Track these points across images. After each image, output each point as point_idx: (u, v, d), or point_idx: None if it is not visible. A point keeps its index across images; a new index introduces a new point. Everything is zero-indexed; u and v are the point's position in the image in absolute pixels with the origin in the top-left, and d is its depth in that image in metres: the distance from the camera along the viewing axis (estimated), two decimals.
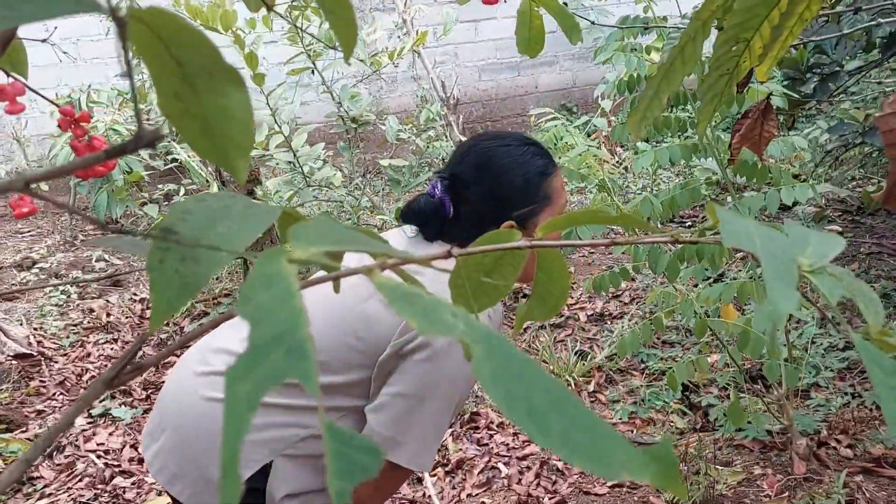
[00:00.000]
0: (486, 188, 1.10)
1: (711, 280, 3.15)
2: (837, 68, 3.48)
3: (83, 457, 2.25)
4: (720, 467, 2.06)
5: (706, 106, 1.00)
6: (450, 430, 2.38)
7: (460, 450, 2.28)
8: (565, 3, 1.52)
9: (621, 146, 4.95)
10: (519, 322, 0.73)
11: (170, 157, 3.62)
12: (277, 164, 2.64)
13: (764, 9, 0.92)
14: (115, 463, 2.22)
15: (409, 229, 1.16)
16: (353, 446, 0.28)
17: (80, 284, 3.13)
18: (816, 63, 3.43)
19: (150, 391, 2.59)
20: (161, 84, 0.40)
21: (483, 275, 0.64)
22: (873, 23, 1.44)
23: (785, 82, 3.44)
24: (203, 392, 1.07)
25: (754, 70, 1.16)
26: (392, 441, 1.02)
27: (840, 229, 3.60)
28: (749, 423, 2.14)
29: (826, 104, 4.36)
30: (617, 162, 4.77)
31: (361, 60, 2.89)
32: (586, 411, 0.31)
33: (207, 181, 3.06)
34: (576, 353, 2.73)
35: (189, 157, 3.22)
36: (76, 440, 2.32)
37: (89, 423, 2.41)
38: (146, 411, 2.47)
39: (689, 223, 3.93)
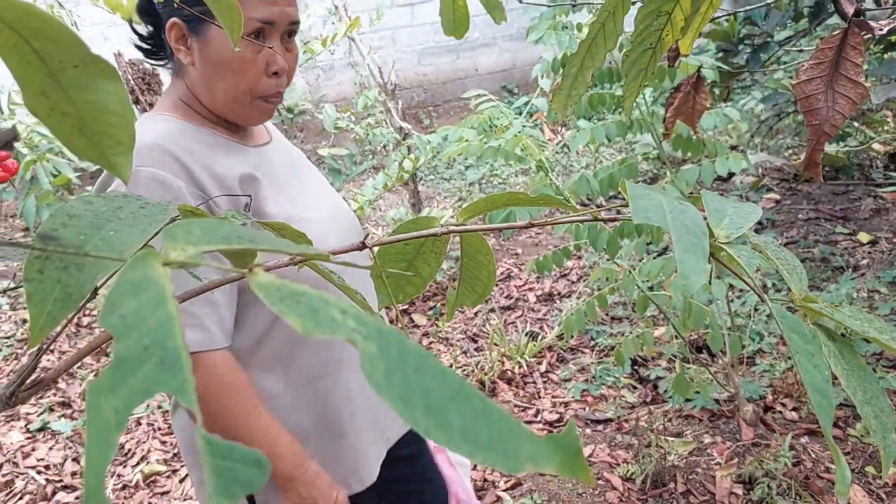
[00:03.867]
0: None
1: (656, 254, 3.20)
2: (768, 39, 3.55)
3: (22, 474, 2.17)
4: (671, 438, 2.10)
5: (632, 82, 1.00)
6: None
7: None
8: None
9: (564, 126, 4.99)
10: (450, 309, 0.72)
11: None
12: None
13: None
14: (57, 478, 2.15)
15: None
16: (234, 459, 0.26)
17: (12, 295, 3.01)
18: (748, 34, 3.50)
19: None
20: (25, 81, 0.37)
21: (405, 263, 0.62)
22: None
23: (718, 54, 3.50)
24: None
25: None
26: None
27: (778, 197, 3.69)
28: (696, 393, 2.18)
29: (760, 74, 4.46)
30: (559, 142, 4.80)
31: None
32: (489, 404, 0.29)
33: None
34: (526, 335, 2.74)
35: None
36: (14, 457, 2.23)
37: (28, 438, 2.32)
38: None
39: (619, 197, 3.97)
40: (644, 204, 0.48)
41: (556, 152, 4.84)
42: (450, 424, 0.28)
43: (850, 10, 1.02)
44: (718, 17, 3.34)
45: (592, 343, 2.68)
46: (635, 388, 2.39)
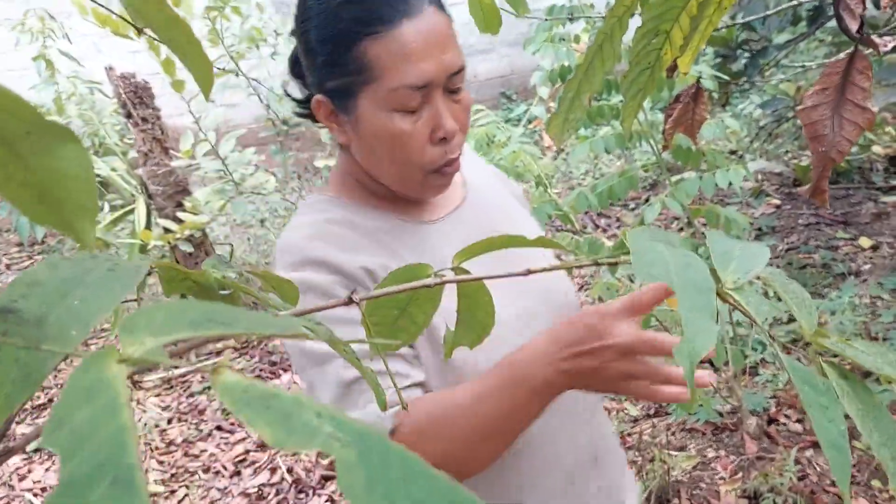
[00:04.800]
0: (301, 45, 0.82)
1: None
2: (766, 43, 3.53)
3: (18, 496, 2.14)
4: (674, 453, 2.07)
5: (630, 101, 0.97)
6: None
7: None
8: None
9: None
10: (448, 350, 0.69)
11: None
12: (206, 173, 2.54)
13: None
14: None
15: None
16: None
17: None
18: (746, 39, 3.48)
19: None
20: None
21: (397, 310, 0.60)
22: (795, 1, 1.43)
23: (717, 60, 3.48)
24: None
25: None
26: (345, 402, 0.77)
27: (778, 202, 3.67)
28: (700, 406, 2.15)
29: (758, 79, 4.45)
30: (559, 149, 4.77)
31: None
32: None
33: (133, 195, 2.94)
34: None
35: (113, 170, 3.09)
36: (10, 479, 2.21)
37: (24, 460, 2.30)
38: None
39: (633, 206, 3.95)
40: (648, 258, 0.45)
41: (555, 159, 4.81)
42: None
43: (855, 26, 0.99)
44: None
45: None
46: (637, 401, 2.36)
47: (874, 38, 0.88)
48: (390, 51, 0.74)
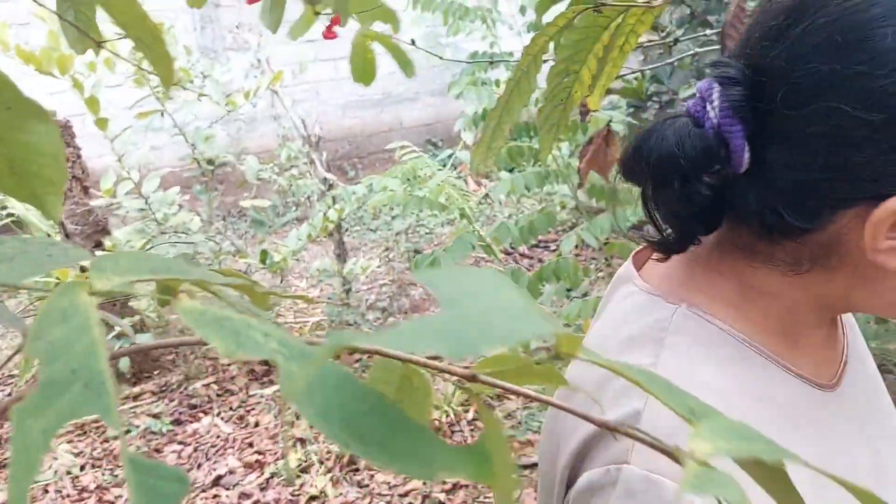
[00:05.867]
0: (859, 104, 0.45)
1: (577, 298, 3.29)
2: (674, 96, 3.79)
3: None
4: None
5: (545, 136, 1.06)
6: (328, 475, 2.32)
7: (340, 494, 2.23)
8: (412, 42, 1.56)
9: (487, 177, 5.12)
10: None
11: (5, 213, 3.37)
12: (127, 212, 2.52)
13: (589, 43, 0.99)
14: None
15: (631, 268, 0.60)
16: (158, 475, 0.27)
17: None
18: (656, 92, 3.72)
19: None
20: None
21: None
22: (691, 52, 1.58)
23: (630, 110, 3.71)
24: None
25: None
26: None
27: None
28: None
29: None
30: (483, 193, 4.91)
31: (216, 102, 2.84)
32: (405, 418, 0.31)
33: (49, 234, 2.86)
34: (454, 383, 2.75)
35: (27, 209, 3.01)
36: None
37: None
38: None
39: (554, 247, 4.10)
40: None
41: (480, 203, 4.95)
42: (367, 437, 0.30)
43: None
44: (628, 76, 3.53)
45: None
46: None
47: None
48: None
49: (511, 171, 4.75)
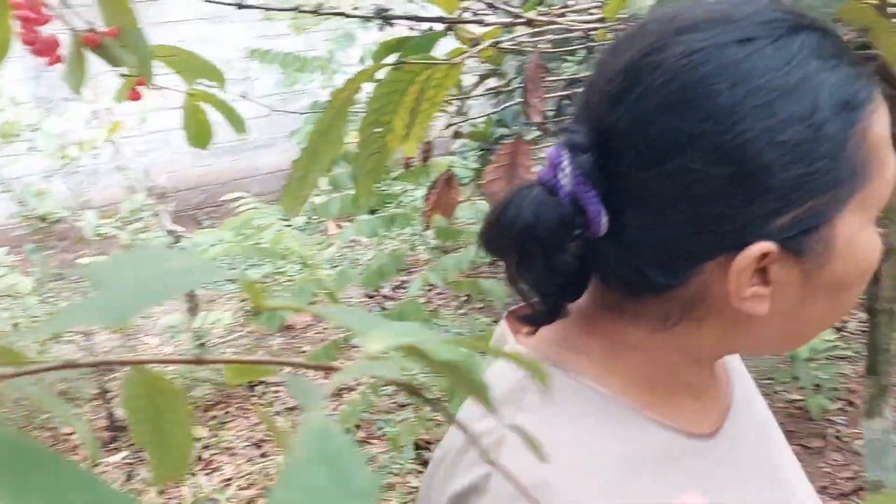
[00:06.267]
0: (706, 161, 0.46)
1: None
2: (519, 139, 3.98)
3: None
4: None
5: (362, 182, 1.09)
6: None
7: None
8: (243, 95, 1.57)
9: (350, 221, 5.14)
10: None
11: None
12: None
13: (398, 95, 1.04)
14: None
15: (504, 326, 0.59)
16: None
17: None
18: (502, 135, 3.90)
19: None
20: None
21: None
22: (520, 100, 1.69)
23: (479, 153, 3.87)
24: None
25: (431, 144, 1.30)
26: None
27: None
28: None
29: None
30: (352, 240, 4.92)
31: (49, 155, 2.69)
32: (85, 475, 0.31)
33: None
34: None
35: None
36: None
37: None
38: None
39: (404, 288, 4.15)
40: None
41: (343, 246, 4.94)
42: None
43: (538, 119, 1.21)
44: (476, 120, 3.66)
45: (380, 433, 2.71)
46: (420, 472, 2.44)
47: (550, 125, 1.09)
48: (882, 127, 0.49)
49: (373, 212, 4.79)
